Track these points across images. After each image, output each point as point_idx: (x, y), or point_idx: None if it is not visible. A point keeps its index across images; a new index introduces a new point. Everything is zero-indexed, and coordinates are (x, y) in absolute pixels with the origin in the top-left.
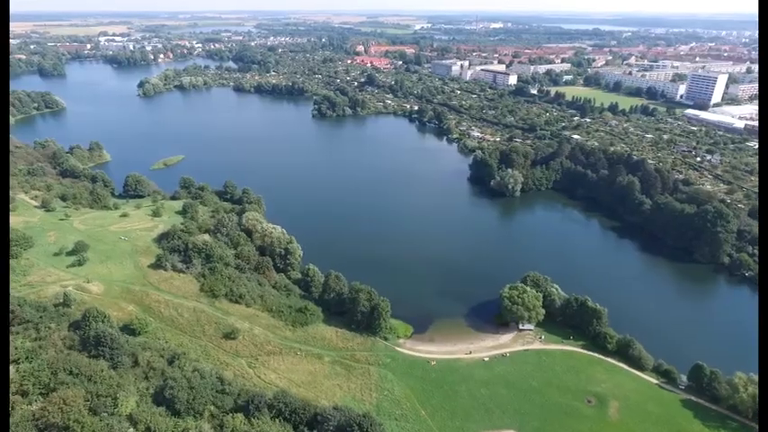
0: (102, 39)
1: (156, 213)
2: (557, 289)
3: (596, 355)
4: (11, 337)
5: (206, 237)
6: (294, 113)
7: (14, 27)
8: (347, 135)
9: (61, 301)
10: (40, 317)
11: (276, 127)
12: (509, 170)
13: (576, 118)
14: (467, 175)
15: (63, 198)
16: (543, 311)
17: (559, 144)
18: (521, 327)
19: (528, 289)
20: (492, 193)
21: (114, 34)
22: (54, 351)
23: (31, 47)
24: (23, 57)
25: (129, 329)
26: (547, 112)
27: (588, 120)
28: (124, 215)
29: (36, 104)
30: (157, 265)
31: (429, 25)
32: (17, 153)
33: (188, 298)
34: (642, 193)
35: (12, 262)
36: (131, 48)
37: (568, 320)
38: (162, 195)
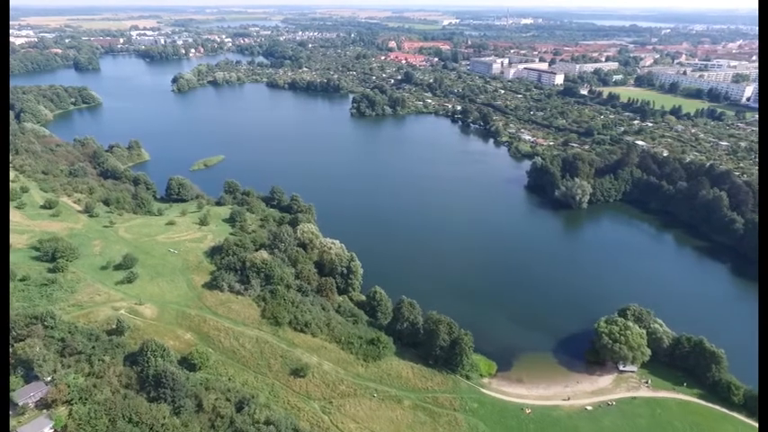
0: (133, 33)
1: (203, 222)
2: (661, 325)
3: (719, 408)
4: (63, 371)
5: (264, 254)
6: (331, 111)
7: (49, 21)
8: (389, 135)
9: (114, 327)
10: (93, 347)
11: (314, 126)
12: (576, 180)
13: (635, 122)
14: (523, 182)
15: (106, 202)
16: (649, 352)
17: (627, 151)
18: (621, 368)
19: (631, 325)
20: (555, 203)
21: (145, 28)
22: (110, 390)
23: (66, 41)
24: (59, 51)
25: (187, 362)
26: (601, 114)
27: (650, 124)
28: (170, 223)
29: (73, 99)
30: (213, 284)
31: (457, 21)
32: (58, 152)
33: (249, 325)
34: (731, 209)
35: (58, 276)
36: (163, 42)
37: (678, 363)
38: (207, 200)
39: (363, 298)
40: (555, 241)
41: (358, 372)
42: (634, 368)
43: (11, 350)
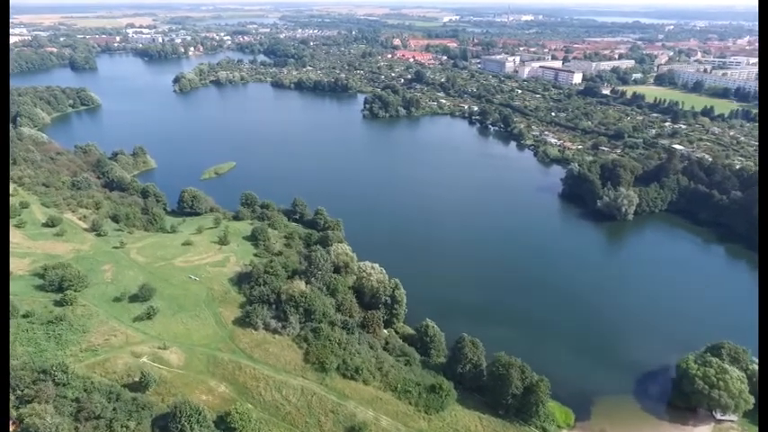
0: (130, 31)
1: (222, 240)
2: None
3: None
4: None
5: (301, 285)
6: (342, 113)
7: (43, 19)
8: (406, 139)
9: (136, 379)
10: (114, 409)
11: (326, 128)
12: (620, 189)
13: (667, 123)
14: (557, 190)
15: (114, 218)
16: (753, 399)
17: (668, 157)
18: (719, 416)
19: (728, 367)
20: (597, 214)
21: (141, 26)
22: None
23: (61, 39)
24: (55, 50)
25: (225, 424)
26: (628, 115)
27: (683, 126)
28: (187, 243)
29: (71, 101)
30: (245, 321)
31: (457, 18)
32: (59, 161)
33: (291, 372)
34: None
35: (67, 311)
36: (160, 40)
37: None
38: (223, 214)
39: (410, 331)
40: (604, 258)
41: (420, 427)
42: (734, 417)
43: (16, 414)
